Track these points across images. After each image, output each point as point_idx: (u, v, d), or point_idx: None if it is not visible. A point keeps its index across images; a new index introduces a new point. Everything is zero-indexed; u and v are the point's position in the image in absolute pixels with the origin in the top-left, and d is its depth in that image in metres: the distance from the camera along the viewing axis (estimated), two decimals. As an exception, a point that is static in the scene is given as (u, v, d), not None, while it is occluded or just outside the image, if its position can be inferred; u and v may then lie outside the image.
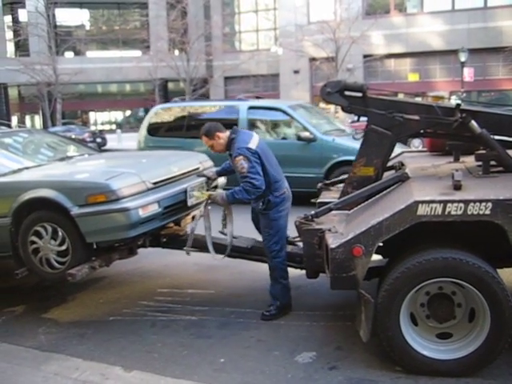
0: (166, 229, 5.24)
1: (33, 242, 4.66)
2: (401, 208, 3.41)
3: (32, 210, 4.65)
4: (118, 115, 40.39)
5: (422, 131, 4.70)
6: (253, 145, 4.51)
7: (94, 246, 4.74)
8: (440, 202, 3.36)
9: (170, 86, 35.88)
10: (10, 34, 35.24)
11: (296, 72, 30.27)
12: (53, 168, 5.37)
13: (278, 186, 4.63)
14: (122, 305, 5.24)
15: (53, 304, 5.36)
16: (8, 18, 35.19)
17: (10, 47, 35.59)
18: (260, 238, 4.89)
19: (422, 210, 3.37)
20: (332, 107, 26.94)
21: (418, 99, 6.17)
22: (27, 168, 5.29)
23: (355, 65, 27.40)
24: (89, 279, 5.63)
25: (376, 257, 3.90)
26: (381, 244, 3.59)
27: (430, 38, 27.13)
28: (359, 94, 4.52)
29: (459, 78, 24.38)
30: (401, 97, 6.12)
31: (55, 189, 4.50)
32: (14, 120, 36.91)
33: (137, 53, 34.69)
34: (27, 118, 38.43)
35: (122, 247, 5.01)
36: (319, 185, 5.45)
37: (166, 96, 34.75)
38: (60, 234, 4.54)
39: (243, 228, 5.12)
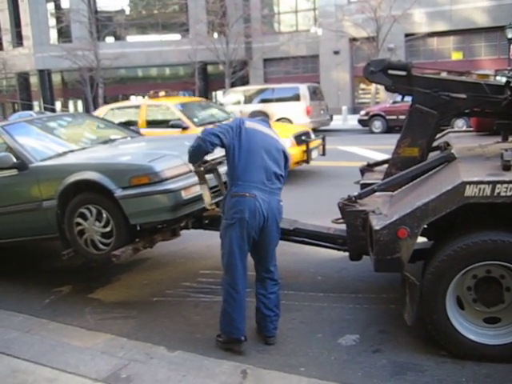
0: (209, 211, 5.25)
1: (78, 224, 4.74)
2: (448, 189, 3.32)
3: (77, 193, 4.73)
4: (158, 99, 40.75)
5: (468, 110, 4.57)
6: (248, 124, 3.86)
7: (138, 228, 4.80)
8: (489, 182, 3.25)
9: (210, 68, 35.89)
10: (52, 21, 35.84)
11: (336, 53, 29.87)
12: (96, 151, 5.45)
13: (242, 182, 3.73)
14: (165, 286, 5.30)
15: (98, 285, 5.47)
16: (51, 6, 35.82)
17: (53, 34, 36.19)
18: (305, 220, 4.77)
19: (470, 191, 3.27)
20: (372, 87, 26.60)
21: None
22: (72, 151, 5.41)
23: (397, 44, 26.88)
24: (132, 260, 5.72)
25: (420, 239, 3.82)
26: (425, 226, 3.52)
27: (475, 15, 26.30)
28: (403, 73, 4.42)
29: (506, 56, 23.61)
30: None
31: (99, 171, 4.56)
32: (58, 105, 37.71)
33: (176, 36, 34.79)
34: (70, 103, 39.15)
35: (165, 229, 5.06)
36: (361, 166, 5.37)
37: (206, 79, 34.85)
38: (104, 215, 4.60)
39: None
